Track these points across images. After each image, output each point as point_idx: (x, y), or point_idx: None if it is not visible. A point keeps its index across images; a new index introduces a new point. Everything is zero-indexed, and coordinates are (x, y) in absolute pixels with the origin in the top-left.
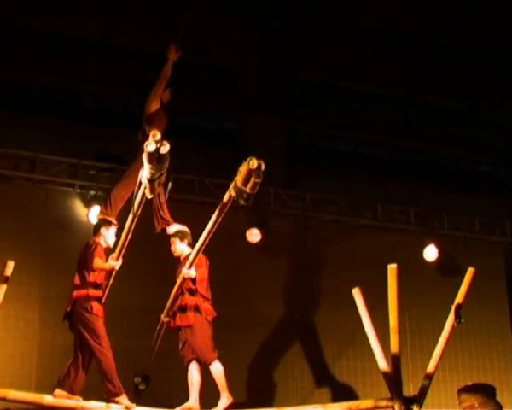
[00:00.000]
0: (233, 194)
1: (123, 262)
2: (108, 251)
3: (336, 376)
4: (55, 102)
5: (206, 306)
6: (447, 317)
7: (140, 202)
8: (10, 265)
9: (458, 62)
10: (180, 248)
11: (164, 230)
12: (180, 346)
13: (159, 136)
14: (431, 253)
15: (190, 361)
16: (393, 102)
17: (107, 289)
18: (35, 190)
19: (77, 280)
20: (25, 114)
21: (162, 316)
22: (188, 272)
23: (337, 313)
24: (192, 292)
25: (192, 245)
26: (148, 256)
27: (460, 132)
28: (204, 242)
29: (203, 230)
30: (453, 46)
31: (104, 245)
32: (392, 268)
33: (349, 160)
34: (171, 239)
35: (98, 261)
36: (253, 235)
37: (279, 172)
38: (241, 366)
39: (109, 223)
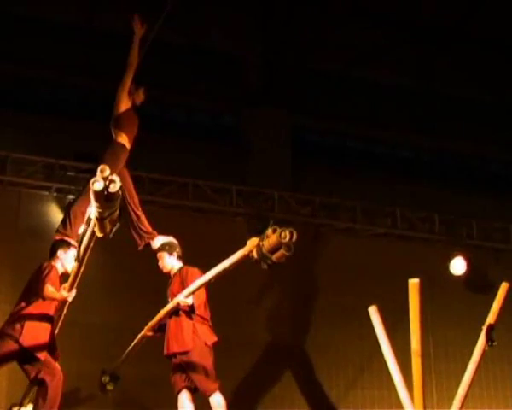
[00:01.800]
0: (255, 255)
1: (102, 274)
2: (65, 277)
3: (350, 406)
4: (29, 94)
5: (206, 329)
6: (477, 339)
7: (89, 242)
8: None
9: (489, 49)
10: (169, 262)
11: (148, 245)
12: (171, 372)
13: (107, 172)
14: (458, 265)
15: (181, 390)
16: (415, 94)
17: (60, 321)
18: (5, 193)
19: (19, 306)
20: None
21: (145, 329)
22: (184, 300)
23: (351, 334)
24: (189, 314)
25: (183, 258)
26: (131, 268)
27: (491, 129)
28: (209, 281)
29: (198, 240)
30: (483, 30)
31: (61, 270)
32: (413, 283)
33: (364, 159)
34: (158, 254)
35: (49, 289)
36: None
37: (284, 174)
38: (238, 396)
39: (68, 244)
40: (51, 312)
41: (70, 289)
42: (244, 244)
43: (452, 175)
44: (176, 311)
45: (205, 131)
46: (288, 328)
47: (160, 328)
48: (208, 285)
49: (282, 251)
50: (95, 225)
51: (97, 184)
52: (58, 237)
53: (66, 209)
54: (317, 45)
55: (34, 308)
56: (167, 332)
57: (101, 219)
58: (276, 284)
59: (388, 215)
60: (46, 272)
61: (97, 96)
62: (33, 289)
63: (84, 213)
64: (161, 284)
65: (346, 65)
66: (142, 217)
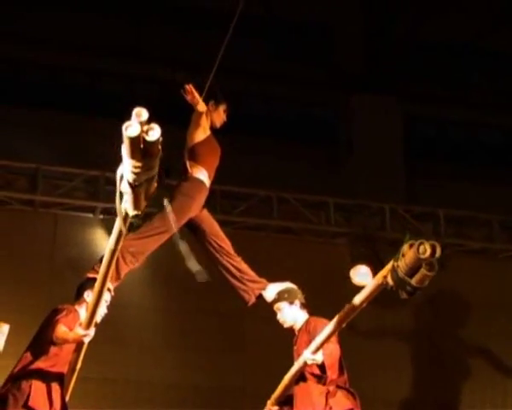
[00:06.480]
0: (390, 282)
1: (162, 321)
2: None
3: None
4: (63, 88)
5: (341, 395)
6: None
7: (116, 245)
8: (4, 330)
9: None
10: (291, 315)
11: (260, 297)
12: None
13: (145, 115)
14: None
15: None
16: None
17: (75, 376)
18: (37, 217)
19: (26, 360)
20: (18, 107)
21: (269, 403)
22: (312, 357)
23: (500, 390)
24: (319, 378)
25: (307, 306)
26: (208, 311)
27: None
28: (338, 326)
29: (287, 269)
30: None
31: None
32: None
33: (501, 157)
34: (275, 306)
35: (61, 329)
36: (361, 274)
37: (396, 181)
38: None
39: None
40: (63, 369)
41: (87, 327)
42: (347, 272)
43: None
44: (303, 376)
45: (292, 128)
46: (414, 385)
47: (288, 400)
48: (339, 331)
49: (422, 271)
50: (126, 203)
51: (131, 129)
52: (90, 275)
53: None
54: (432, 12)
55: (44, 363)
56: (294, 404)
57: (135, 188)
58: (390, 329)
59: None
60: (61, 314)
61: (153, 87)
62: (43, 337)
63: (134, 255)
64: (237, 335)
65: (470, 35)
66: (243, 264)
